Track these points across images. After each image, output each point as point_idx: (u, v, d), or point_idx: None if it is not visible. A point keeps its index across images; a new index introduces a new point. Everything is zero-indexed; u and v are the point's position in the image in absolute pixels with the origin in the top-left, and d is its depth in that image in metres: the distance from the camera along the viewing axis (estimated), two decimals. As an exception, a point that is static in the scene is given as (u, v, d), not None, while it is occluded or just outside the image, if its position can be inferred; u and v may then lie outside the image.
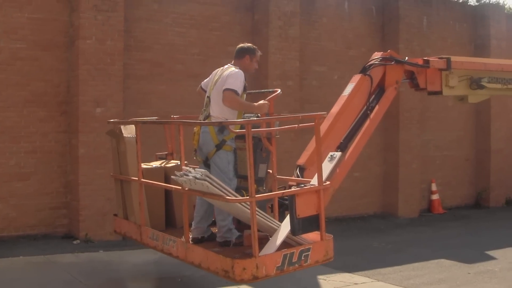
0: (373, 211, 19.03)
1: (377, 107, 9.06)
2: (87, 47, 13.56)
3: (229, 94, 7.71)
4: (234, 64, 8.32)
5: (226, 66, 8.34)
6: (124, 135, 8.73)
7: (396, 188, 18.83)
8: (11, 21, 13.40)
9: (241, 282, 6.41)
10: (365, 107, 9.00)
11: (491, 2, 29.72)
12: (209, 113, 8.08)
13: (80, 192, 13.53)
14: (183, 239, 7.31)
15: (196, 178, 6.49)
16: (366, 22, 18.93)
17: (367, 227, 17.23)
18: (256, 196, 6.56)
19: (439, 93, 10.20)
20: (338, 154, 8.19)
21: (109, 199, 13.15)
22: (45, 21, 13.77)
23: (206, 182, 6.40)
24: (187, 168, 6.97)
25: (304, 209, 6.81)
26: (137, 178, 8.30)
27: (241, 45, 8.55)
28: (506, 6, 36.20)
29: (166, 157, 9.76)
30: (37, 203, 13.62)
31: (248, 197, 6.58)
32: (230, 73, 7.99)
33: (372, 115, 8.90)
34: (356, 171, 17.98)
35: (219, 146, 7.82)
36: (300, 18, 16.94)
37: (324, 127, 8.42)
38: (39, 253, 12.18)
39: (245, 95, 8.15)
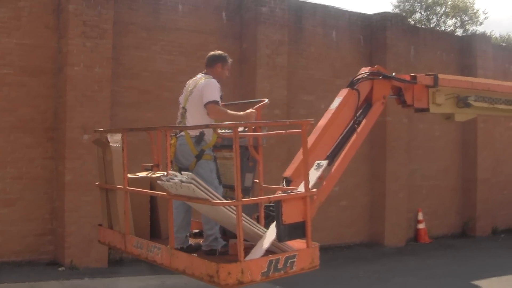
0: (360, 240, 19.02)
1: (364, 121, 9.02)
2: (75, 74, 13.59)
3: (212, 107, 7.69)
4: (206, 73, 8.27)
5: (198, 76, 8.28)
6: (110, 144, 8.72)
7: (382, 217, 18.83)
8: (-1, 46, 13.43)
9: (226, 287, 6.36)
10: (352, 121, 8.99)
11: (477, 32, 29.97)
12: (185, 124, 8.06)
13: (66, 219, 13.47)
14: (168, 246, 7.28)
15: (182, 181, 6.44)
16: (354, 51, 19.06)
17: (353, 256, 17.21)
18: (242, 200, 6.53)
19: (426, 110, 10.13)
20: (324, 162, 8.15)
21: (95, 226, 13.02)
22: (33, 47, 13.80)
23: (192, 185, 6.34)
24: (173, 172, 6.92)
25: (290, 215, 6.74)
26: (122, 187, 8.27)
27: (212, 53, 8.50)
28: (492, 37, 36.66)
29: (152, 169, 9.71)
30: (22, 229, 13.53)
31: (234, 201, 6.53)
32: (205, 84, 7.95)
33: (359, 129, 8.87)
34: (343, 200, 18.02)
35: (199, 157, 7.77)
36: (288, 47, 17.04)
37: (311, 139, 8.40)
38: (24, 279, 12.09)
39: (221, 102, 8.14)
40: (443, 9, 35.96)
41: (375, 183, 19.11)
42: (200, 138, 7.74)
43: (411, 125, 19.68)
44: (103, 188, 8.95)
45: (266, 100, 8.50)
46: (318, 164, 8.12)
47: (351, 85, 9.18)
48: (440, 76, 9.96)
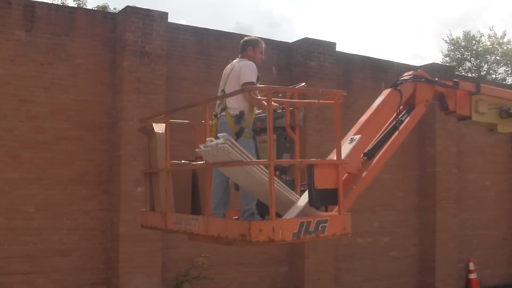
0: (410, 290, 18.97)
1: (407, 119, 8.91)
2: (129, 129, 13.98)
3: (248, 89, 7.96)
4: (241, 58, 8.55)
5: (235, 60, 8.53)
6: (155, 131, 9.01)
7: (433, 267, 18.77)
8: (57, 102, 13.95)
9: (257, 244, 6.41)
10: (393, 120, 8.95)
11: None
12: (226, 105, 8.22)
13: (120, 269, 13.78)
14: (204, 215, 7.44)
15: (217, 144, 6.56)
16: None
17: (403, 307, 17.17)
18: (275, 160, 6.66)
19: (468, 118, 9.93)
20: (357, 137, 8.22)
21: (148, 276, 13.39)
22: (89, 103, 14.29)
23: (227, 145, 6.45)
24: (210, 138, 7.06)
25: (322, 181, 6.78)
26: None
27: (244, 39, 8.77)
28: None
29: (195, 160, 9.84)
30: (78, 279, 13.88)
31: (267, 163, 6.61)
32: (243, 65, 8.18)
33: (401, 127, 8.81)
34: (393, 250, 18.06)
35: (238, 134, 7.93)
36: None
37: (350, 133, 8.53)
38: (78, 330, 12.34)
39: (258, 84, 8.35)
40: (494, 57, 35.96)
41: (425, 234, 19.08)
42: (240, 117, 7.97)
43: (460, 175, 19.68)
44: (147, 174, 9.22)
45: (303, 83, 8.73)
46: (351, 138, 8.25)
47: (394, 86, 9.17)
48: (482, 84, 9.98)
